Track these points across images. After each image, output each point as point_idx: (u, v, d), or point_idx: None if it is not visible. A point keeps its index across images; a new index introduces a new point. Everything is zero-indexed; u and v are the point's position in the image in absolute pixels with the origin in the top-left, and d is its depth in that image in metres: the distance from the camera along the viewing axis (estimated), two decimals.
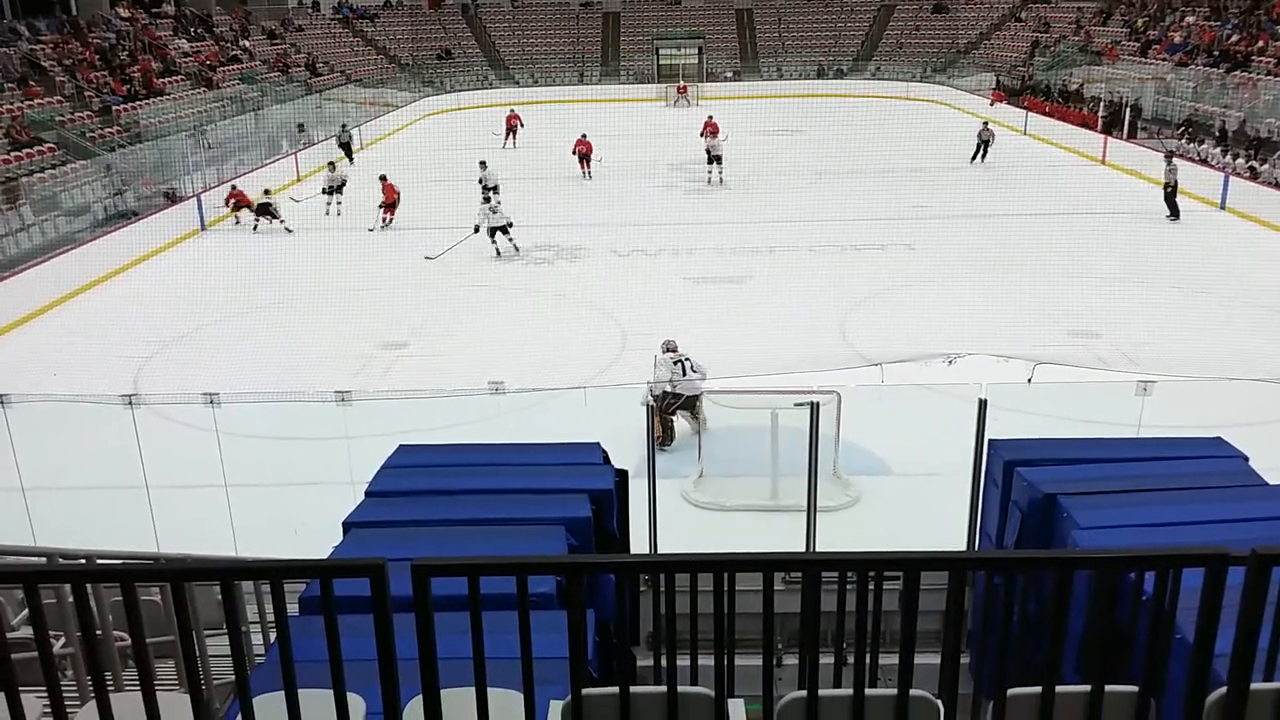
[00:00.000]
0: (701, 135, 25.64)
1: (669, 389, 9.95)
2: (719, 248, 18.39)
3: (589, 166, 25.93)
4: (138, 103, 26.93)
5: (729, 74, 44.09)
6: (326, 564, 2.33)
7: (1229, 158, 22.60)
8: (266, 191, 20.99)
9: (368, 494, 5.79)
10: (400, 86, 40.26)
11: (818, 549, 7.56)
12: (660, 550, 7.37)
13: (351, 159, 28.14)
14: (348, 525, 5.36)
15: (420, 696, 2.30)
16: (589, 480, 5.85)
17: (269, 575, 2.25)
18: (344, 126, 29.75)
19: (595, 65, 45.07)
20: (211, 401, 8.58)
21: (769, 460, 9.75)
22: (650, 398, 9.89)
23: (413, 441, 6.66)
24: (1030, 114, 32.15)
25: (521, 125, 30.96)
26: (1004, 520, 6.17)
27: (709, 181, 24.38)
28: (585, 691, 2.24)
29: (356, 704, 2.67)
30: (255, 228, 20.56)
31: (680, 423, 10.50)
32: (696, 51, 44.07)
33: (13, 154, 20.68)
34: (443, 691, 2.47)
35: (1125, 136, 26.99)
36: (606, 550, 5.59)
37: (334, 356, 12.92)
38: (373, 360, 12.84)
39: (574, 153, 26.10)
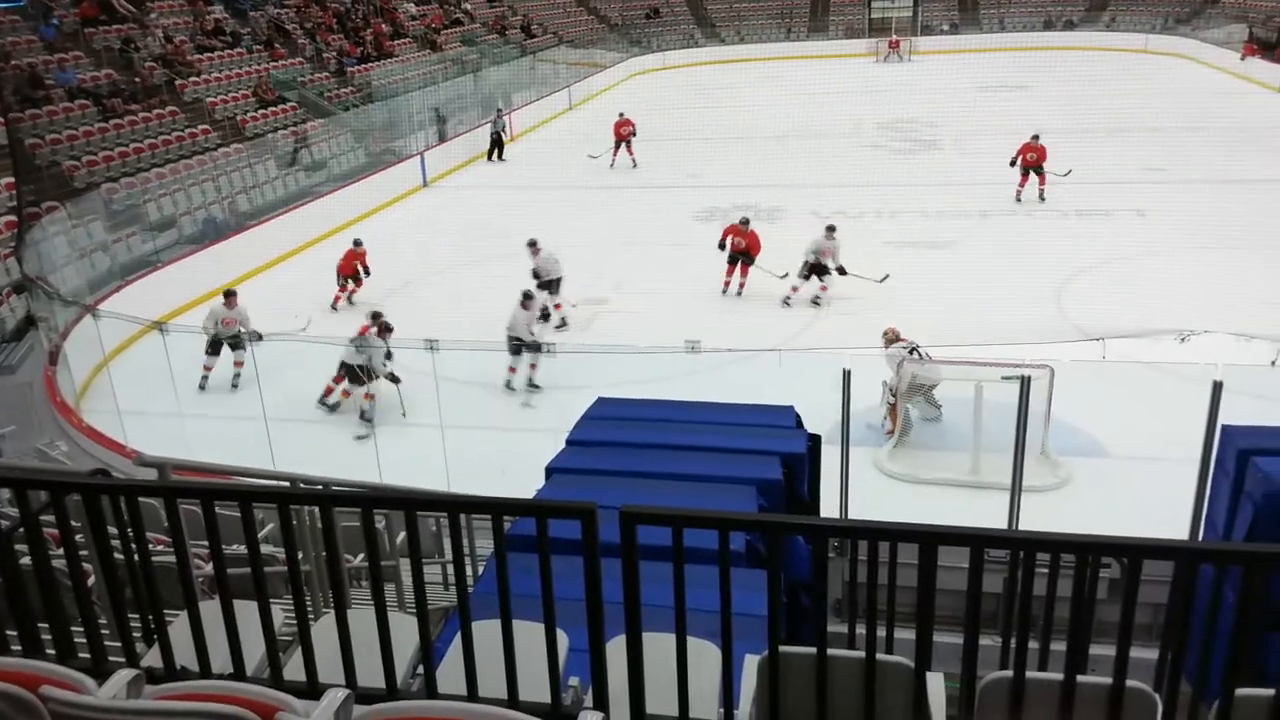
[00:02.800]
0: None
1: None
2: (926, 211, 17.68)
3: (631, 152, 22.67)
4: (370, 64, 28.71)
5: (945, 27, 41.96)
6: (543, 504, 2.48)
7: None
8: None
9: (568, 442, 6.05)
10: (609, 46, 40.88)
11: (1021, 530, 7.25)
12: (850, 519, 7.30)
13: (502, 154, 25.16)
14: (550, 470, 5.64)
15: (621, 637, 2.42)
16: (781, 443, 5.87)
17: (491, 510, 2.41)
18: (500, 112, 26.39)
19: (804, 20, 44.02)
20: (431, 347, 9.18)
21: (970, 434, 9.39)
22: (890, 394, 9.71)
23: (611, 394, 6.90)
24: None
25: (634, 134, 23.05)
26: (1234, 512, 5.71)
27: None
28: (782, 649, 2.28)
29: (561, 639, 2.82)
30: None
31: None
32: (911, 3, 42.17)
33: (259, 112, 22.59)
34: (649, 634, 2.56)
35: None
36: (796, 513, 5.59)
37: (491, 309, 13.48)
38: (575, 314, 13.25)
39: (617, 138, 22.65)
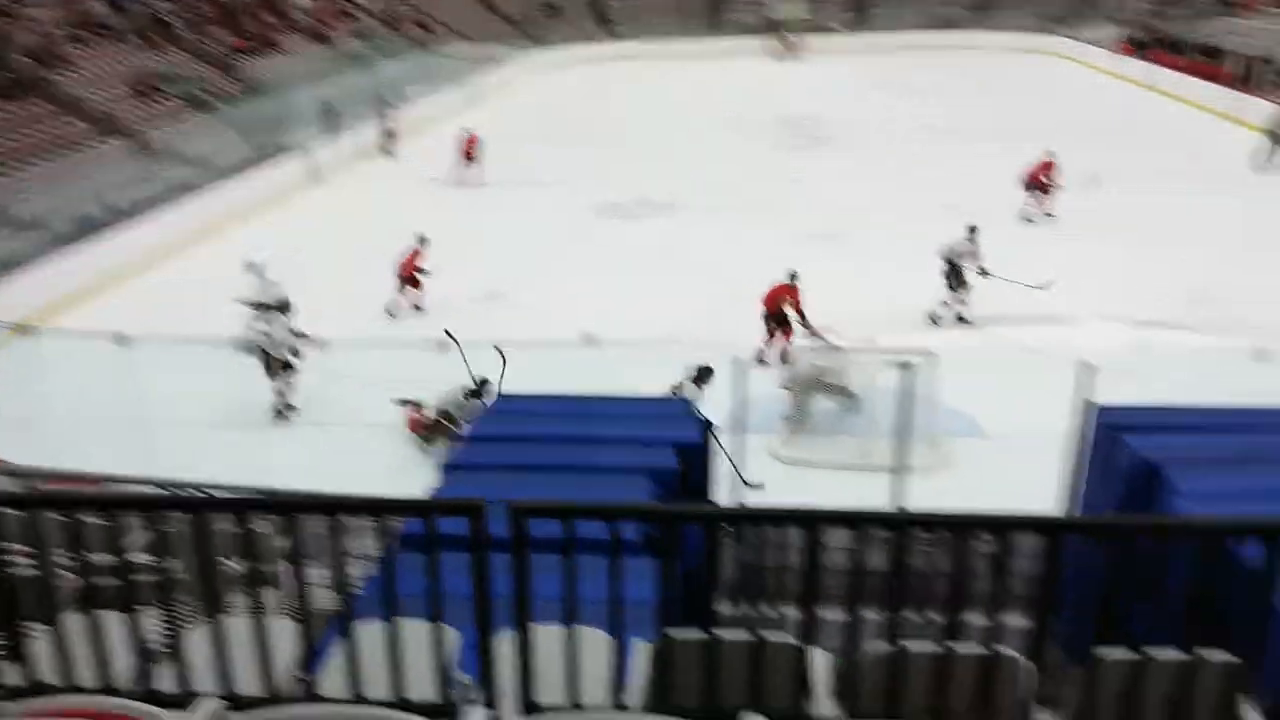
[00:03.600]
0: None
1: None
2: (820, 205, 18.08)
3: (474, 160, 20.85)
4: (256, 58, 27.76)
5: (838, 26, 42.90)
6: (429, 502, 2.45)
7: None
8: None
9: (467, 438, 6.01)
10: (507, 42, 40.46)
11: (906, 509, 7.50)
12: (744, 504, 7.43)
13: (393, 150, 24.62)
14: (446, 467, 5.58)
15: (511, 632, 2.40)
16: (676, 432, 5.93)
17: (374, 510, 2.37)
18: (390, 107, 25.55)
19: (701, 18, 44.42)
20: (321, 347, 8.97)
21: (860, 419, 9.66)
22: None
23: (508, 389, 6.87)
24: (1157, 68, 30.42)
25: (477, 152, 21.02)
26: (1103, 487, 6.01)
27: None
28: (671, 634, 2.30)
29: (451, 636, 2.79)
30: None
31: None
32: (805, 3, 42.98)
33: (137, 106, 21.62)
34: (538, 626, 2.55)
35: (1263, 94, 25.31)
36: (690, 501, 5.67)
37: (432, 306, 13.31)
38: (468, 311, 13.12)
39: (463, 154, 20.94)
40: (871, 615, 2.44)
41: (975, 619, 2.56)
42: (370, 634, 2.54)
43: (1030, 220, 17.01)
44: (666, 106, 26.61)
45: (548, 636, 2.50)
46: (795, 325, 10.59)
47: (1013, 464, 8.78)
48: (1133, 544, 2.83)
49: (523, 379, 8.02)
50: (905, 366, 8.26)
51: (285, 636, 2.58)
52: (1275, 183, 18.60)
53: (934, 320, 12.54)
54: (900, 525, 2.40)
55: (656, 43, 41.56)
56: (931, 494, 7.87)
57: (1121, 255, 14.56)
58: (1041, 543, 2.48)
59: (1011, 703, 2.27)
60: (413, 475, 7.94)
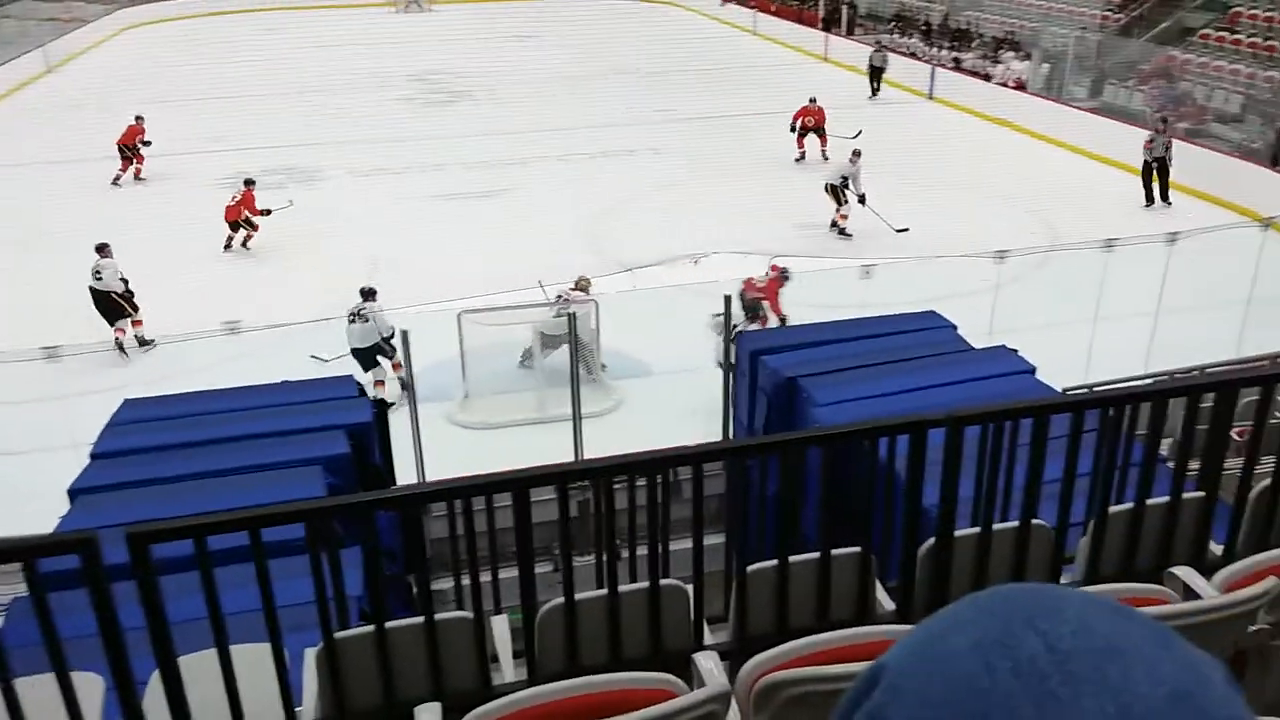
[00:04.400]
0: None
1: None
2: (468, 162, 17.90)
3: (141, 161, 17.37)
4: None
5: None
6: (29, 544, 2.10)
7: (935, 50, 24.45)
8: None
9: (93, 456, 5.32)
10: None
11: (585, 455, 7.75)
12: (429, 476, 7.30)
13: None
14: (74, 492, 4.93)
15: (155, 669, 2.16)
16: (344, 415, 5.66)
17: None
18: None
19: None
20: None
21: (532, 374, 9.81)
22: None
23: (140, 394, 6.15)
24: (758, 14, 33.17)
25: (145, 143, 17.35)
26: (753, 405, 6.58)
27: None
28: (339, 634, 2.17)
29: (93, 682, 2.47)
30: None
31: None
32: None
33: None
34: (190, 656, 2.33)
35: (845, 33, 28.49)
36: (370, 484, 5.45)
37: (32, 307, 11.53)
38: (79, 310, 11.59)
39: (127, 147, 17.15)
40: (544, 569, 2.46)
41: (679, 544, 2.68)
42: None
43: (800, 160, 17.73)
44: (288, 64, 24.87)
45: (202, 663, 2.27)
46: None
47: (678, 396, 9.38)
48: (802, 457, 3.09)
49: (167, 380, 7.26)
50: (570, 315, 8.47)
51: None
52: (867, 115, 21.07)
53: (842, 232, 13.73)
54: (600, 475, 2.43)
55: None
56: (612, 436, 8.18)
57: (735, 190, 15.82)
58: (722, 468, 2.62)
59: (679, 628, 2.40)
60: None
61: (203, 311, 9.96)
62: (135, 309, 10.88)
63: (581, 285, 10.10)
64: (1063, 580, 2.89)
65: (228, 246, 13.79)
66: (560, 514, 2.49)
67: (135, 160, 17.00)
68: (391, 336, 9.28)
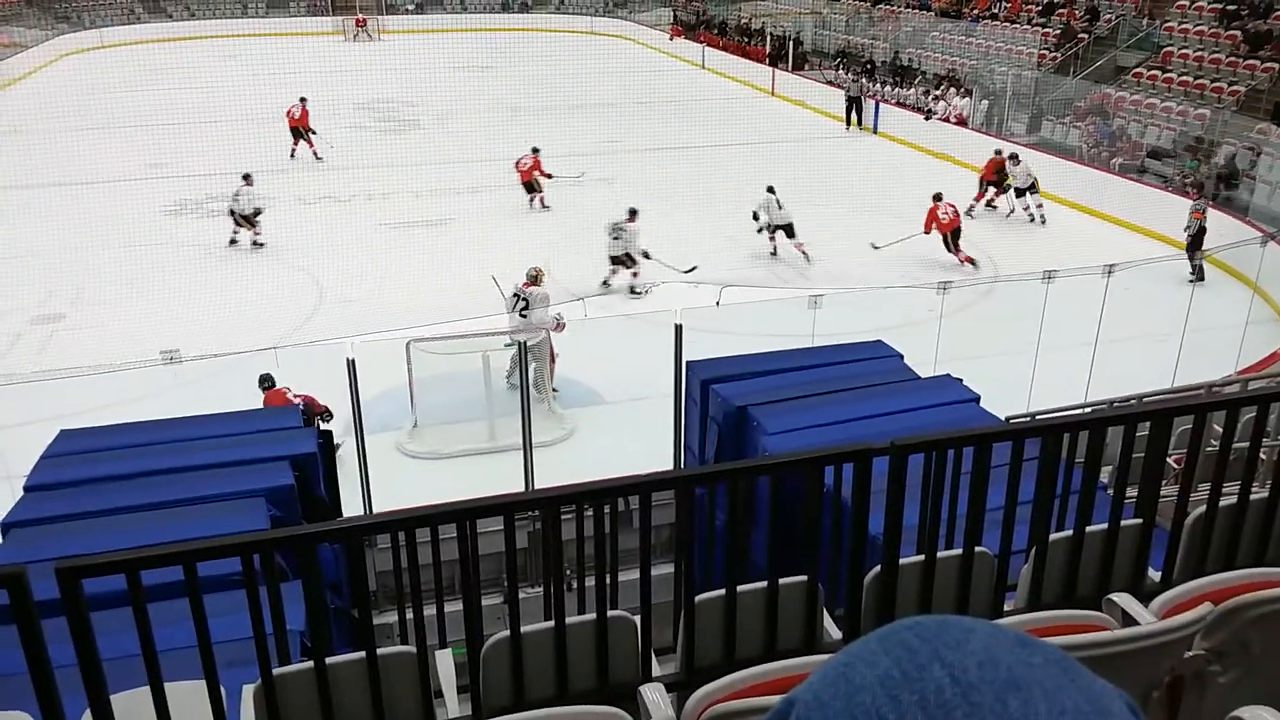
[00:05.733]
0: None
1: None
2: (417, 190, 17.84)
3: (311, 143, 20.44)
4: None
5: (410, 6, 42.40)
6: None
7: (879, 86, 24.98)
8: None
9: (26, 489, 5.16)
10: (28, 23, 35.05)
11: (537, 485, 7.69)
12: (376, 507, 7.18)
13: None
14: (6, 526, 4.77)
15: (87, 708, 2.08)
16: (289, 446, 5.55)
17: None
18: None
19: None
20: None
21: (483, 403, 9.73)
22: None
23: (78, 425, 5.98)
24: (707, 49, 33.66)
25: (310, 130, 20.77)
26: (704, 434, 6.60)
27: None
28: (278, 671, 2.12)
29: None
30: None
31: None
32: None
33: None
34: (124, 694, 2.26)
35: (790, 69, 29.01)
36: (315, 516, 5.35)
37: None
38: (22, 338, 11.30)
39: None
40: (492, 601, 2.43)
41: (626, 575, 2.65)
42: None
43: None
44: (230, 92, 24.60)
45: (134, 700, 2.20)
46: None
47: (630, 425, 9.37)
48: (751, 486, 3.10)
49: (106, 410, 7.07)
50: (520, 345, 8.44)
51: None
52: (815, 148, 21.42)
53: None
54: (546, 505, 2.41)
55: (212, 22, 38.35)
56: (562, 465, 8.14)
57: (693, 220, 15.98)
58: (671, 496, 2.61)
59: (626, 660, 2.38)
60: None
61: (144, 339, 9.76)
62: (253, 225, 14.74)
63: (534, 276, 10.16)
64: (1005, 607, 2.93)
65: (531, 204, 16.75)
66: (506, 545, 2.47)
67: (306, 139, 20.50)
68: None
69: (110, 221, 15.79)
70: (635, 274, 13.07)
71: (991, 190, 16.81)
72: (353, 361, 7.35)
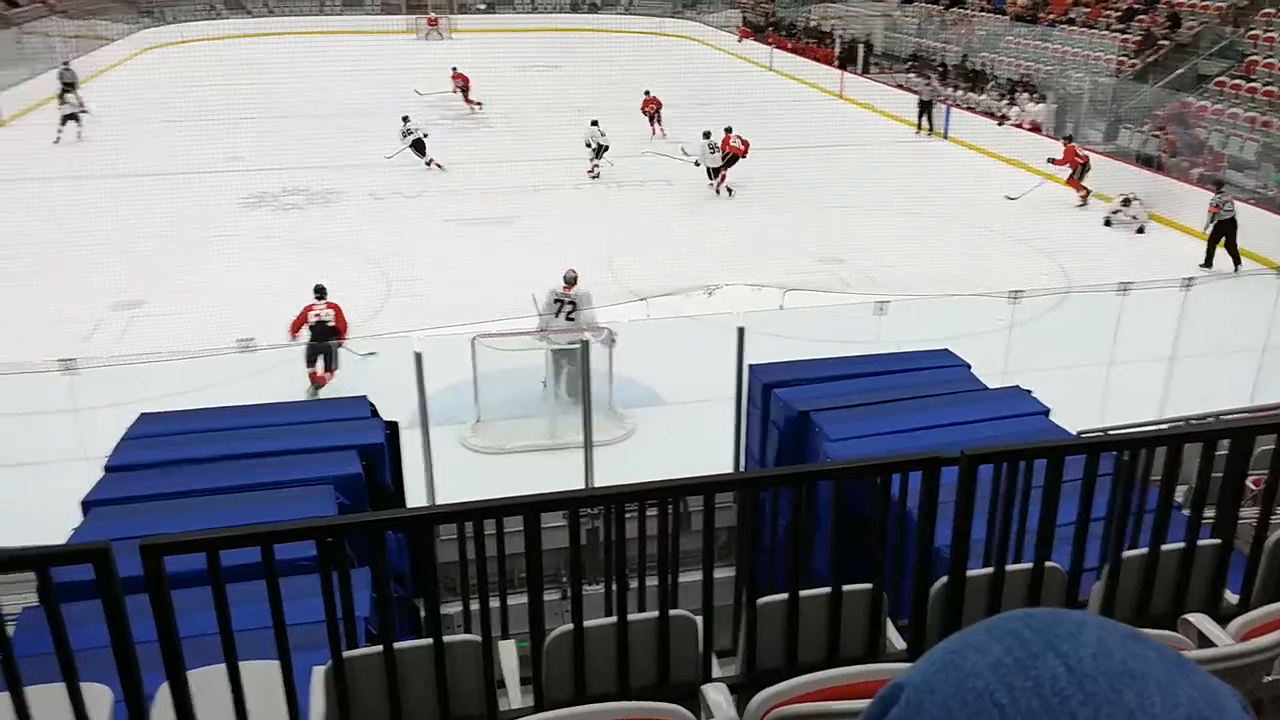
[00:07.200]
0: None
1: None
2: (483, 188, 18.04)
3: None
4: None
5: (482, 5, 42.91)
6: (42, 553, 2.10)
7: (950, 90, 24.59)
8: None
9: (108, 469, 5.34)
10: (113, 17, 36.24)
11: (595, 482, 7.73)
12: (439, 499, 7.29)
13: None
14: (87, 504, 4.94)
15: (164, 682, 2.16)
16: (357, 435, 5.66)
17: None
18: (66, 64, 25.19)
19: None
20: None
21: (545, 400, 9.82)
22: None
23: (157, 409, 6.17)
24: (775, 50, 33.46)
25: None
26: (764, 438, 6.56)
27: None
28: (348, 654, 2.17)
29: (101, 694, 2.48)
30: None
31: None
32: None
33: None
34: (198, 670, 2.33)
35: (860, 72, 28.70)
36: (381, 505, 5.45)
37: (57, 321, 11.66)
38: (104, 323, 11.70)
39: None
40: (549, 596, 2.45)
41: (687, 578, 2.66)
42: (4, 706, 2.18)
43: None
44: (306, 87, 25.17)
45: (209, 678, 2.27)
46: None
47: (689, 426, 9.36)
48: (814, 491, 3.08)
49: (183, 395, 7.29)
50: (584, 345, 8.48)
51: None
52: (882, 152, 21.16)
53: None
54: (612, 501, 2.43)
55: (289, 19, 39.25)
56: (622, 465, 8.17)
57: (758, 222, 15.91)
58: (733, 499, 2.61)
59: (687, 659, 2.39)
60: None
61: (220, 326, 10.03)
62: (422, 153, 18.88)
63: (572, 279, 10.18)
64: None
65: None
66: (571, 539, 2.49)
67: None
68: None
69: (189, 212, 16.27)
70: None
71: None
72: (419, 355, 7.48)
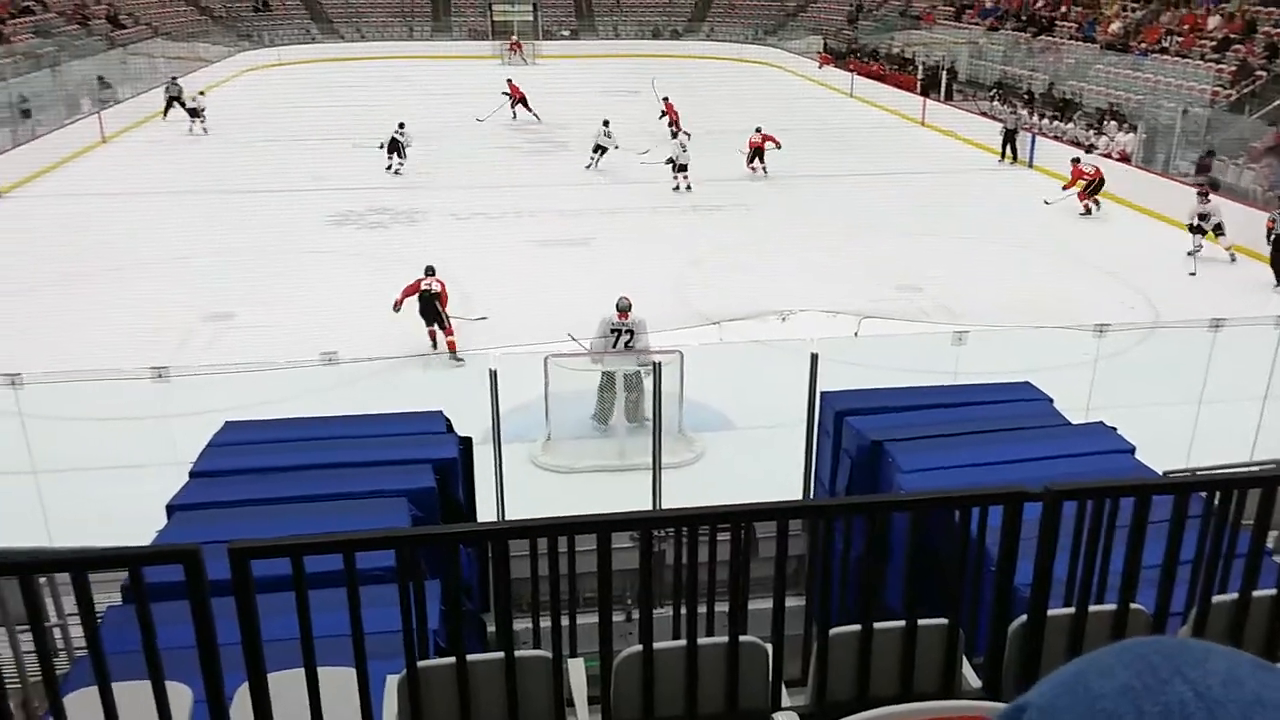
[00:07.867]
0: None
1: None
2: (562, 210, 18.27)
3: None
4: None
5: (565, 32, 43.62)
6: (135, 553, 2.19)
7: (1036, 118, 24.13)
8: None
9: (192, 474, 5.51)
10: (214, 40, 37.82)
11: (664, 505, 7.72)
12: (508, 516, 7.36)
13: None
14: (171, 508, 5.10)
15: (244, 683, 2.22)
16: (431, 450, 5.76)
17: (71, 567, 2.10)
18: (174, 79, 27.24)
19: (426, 20, 43.66)
20: (13, 383, 7.91)
21: (616, 421, 9.86)
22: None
23: (241, 418, 6.36)
24: (856, 77, 33.28)
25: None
26: (835, 467, 6.47)
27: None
28: (421, 664, 2.21)
29: (182, 693, 2.55)
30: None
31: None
32: (531, 8, 43.34)
33: None
34: (276, 674, 2.39)
35: (942, 99, 28.35)
36: (452, 519, 5.52)
37: (151, 330, 12.15)
38: (194, 334, 12.13)
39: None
40: (620, 618, 2.46)
41: (757, 605, 2.65)
42: (89, 701, 2.27)
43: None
44: (393, 109, 25.85)
45: (288, 681, 2.33)
46: None
47: (759, 452, 9.30)
48: (888, 522, 3.04)
49: (266, 405, 7.51)
50: (656, 366, 8.50)
51: None
52: (964, 179, 20.84)
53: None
54: (643, 525, 2.44)
55: (379, 44, 40.45)
56: (690, 488, 8.14)
57: (834, 248, 15.78)
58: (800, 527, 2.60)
59: (756, 686, 2.37)
60: None
61: (305, 340, 10.31)
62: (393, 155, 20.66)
63: (626, 306, 10.19)
64: None
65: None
66: (641, 559, 2.49)
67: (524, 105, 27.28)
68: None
69: (279, 228, 16.82)
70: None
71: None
72: (494, 372, 7.58)
